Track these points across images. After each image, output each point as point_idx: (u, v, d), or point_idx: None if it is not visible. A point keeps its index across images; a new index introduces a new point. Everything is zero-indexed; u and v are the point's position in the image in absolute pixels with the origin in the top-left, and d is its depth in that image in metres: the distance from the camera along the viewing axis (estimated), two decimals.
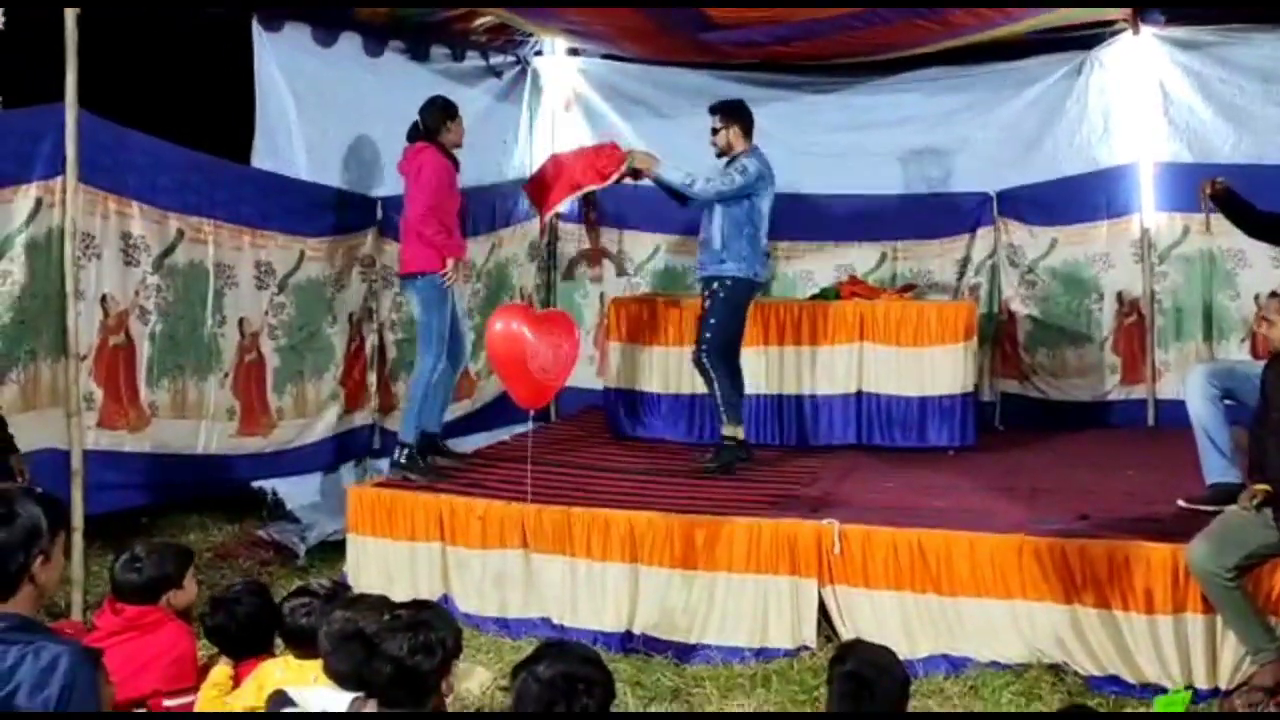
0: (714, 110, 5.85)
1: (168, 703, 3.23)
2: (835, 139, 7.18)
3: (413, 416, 5.48)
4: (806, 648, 4.53)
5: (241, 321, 5.74)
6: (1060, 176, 6.95)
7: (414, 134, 5.49)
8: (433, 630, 2.52)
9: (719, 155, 5.82)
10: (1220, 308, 6.73)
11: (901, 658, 3.02)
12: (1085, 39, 6.76)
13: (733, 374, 5.74)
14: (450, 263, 5.40)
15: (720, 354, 5.69)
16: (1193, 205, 6.53)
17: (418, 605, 2.71)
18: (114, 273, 5.08)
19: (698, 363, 5.73)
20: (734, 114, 5.78)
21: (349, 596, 3.15)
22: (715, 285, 5.68)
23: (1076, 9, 6.10)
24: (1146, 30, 6.62)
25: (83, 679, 2.06)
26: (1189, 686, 4.11)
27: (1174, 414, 6.12)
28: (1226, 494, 4.34)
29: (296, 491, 6.13)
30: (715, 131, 5.79)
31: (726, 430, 5.72)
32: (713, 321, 5.68)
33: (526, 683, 2.33)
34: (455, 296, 5.60)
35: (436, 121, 5.47)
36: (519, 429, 5.66)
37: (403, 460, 5.41)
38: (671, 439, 6.42)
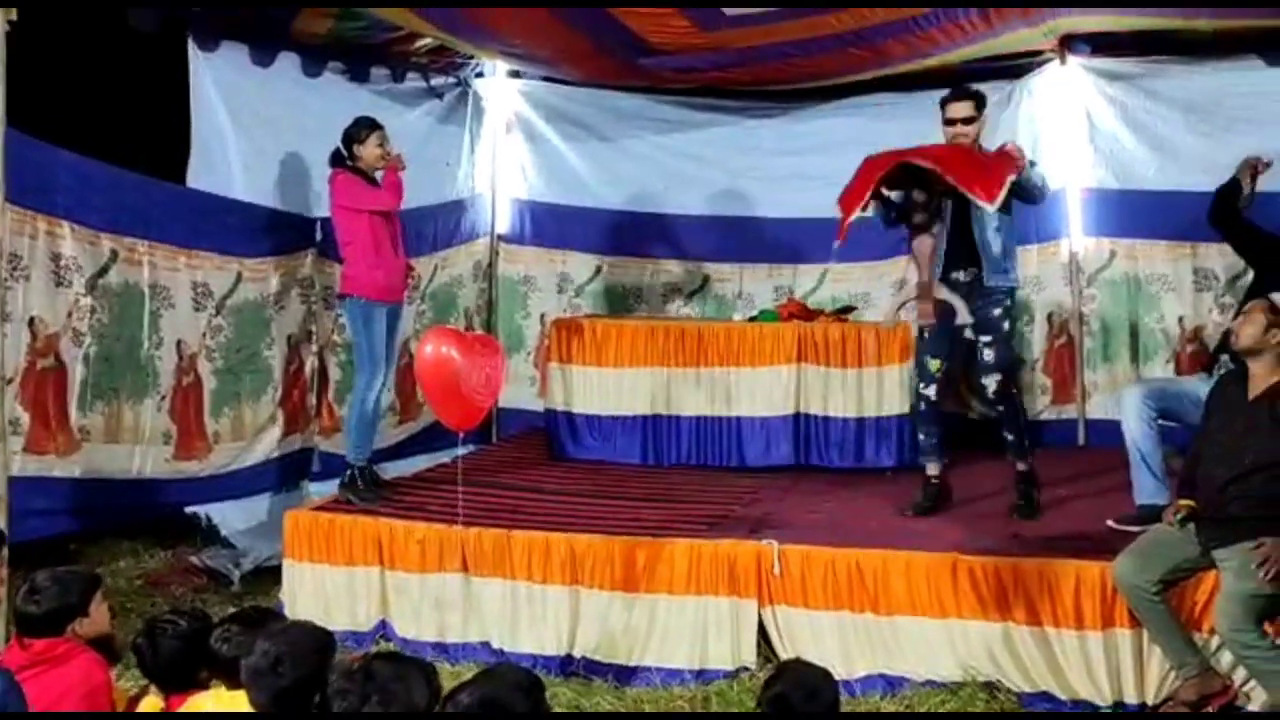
0: (964, 95, 4.95)
1: None
2: (774, 163, 7.25)
3: (352, 437, 5.47)
4: (746, 669, 4.54)
5: (179, 343, 5.65)
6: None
7: (334, 159, 5.45)
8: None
9: None
10: (1145, 330, 6.90)
11: (839, 678, 3.05)
12: (1015, 68, 6.92)
13: None
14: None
15: (1014, 377, 5.22)
16: (1117, 230, 6.81)
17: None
18: (43, 294, 4.98)
19: (1005, 394, 5.04)
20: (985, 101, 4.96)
21: (274, 627, 3.03)
22: (1003, 297, 5.00)
23: (1005, 38, 6.25)
24: (1073, 61, 6.81)
25: (14, 704, 2.02)
26: (1117, 703, 4.20)
27: (1104, 433, 6.28)
28: (1155, 515, 4.42)
29: (232, 516, 6.01)
30: (969, 121, 4.91)
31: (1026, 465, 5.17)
32: (1008, 339, 5.12)
33: (446, 709, 2.31)
34: (390, 319, 5.46)
35: (346, 145, 5.42)
36: (461, 451, 5.64)
37: (345, 480, 5.39)
38: (612, 461, 6.42)
